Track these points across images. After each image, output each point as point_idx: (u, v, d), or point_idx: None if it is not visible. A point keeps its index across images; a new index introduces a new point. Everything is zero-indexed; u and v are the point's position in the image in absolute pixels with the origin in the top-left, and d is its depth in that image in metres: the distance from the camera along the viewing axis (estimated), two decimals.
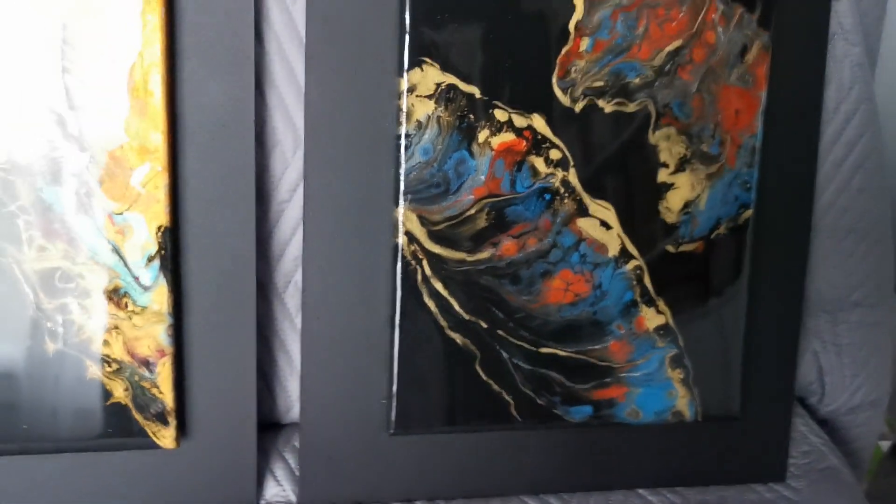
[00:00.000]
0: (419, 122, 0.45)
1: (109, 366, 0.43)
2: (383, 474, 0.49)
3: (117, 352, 0.43)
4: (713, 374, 0.51)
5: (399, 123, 0.45)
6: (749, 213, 0.50)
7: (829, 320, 0.59)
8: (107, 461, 0.46)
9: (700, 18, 0.47)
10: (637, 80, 0.47)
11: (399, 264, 0.46)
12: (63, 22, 0.40)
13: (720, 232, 0.50)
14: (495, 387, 0.48)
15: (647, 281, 0.49)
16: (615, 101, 0.47)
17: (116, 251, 0.42)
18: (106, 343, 0.43)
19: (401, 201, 0.46)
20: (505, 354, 0.48)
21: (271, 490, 0.50)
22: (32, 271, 0.42)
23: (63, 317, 0.43)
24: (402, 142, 0.45)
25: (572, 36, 0.46)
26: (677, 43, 0.47)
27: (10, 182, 0.41)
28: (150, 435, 0.45)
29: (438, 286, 0.47)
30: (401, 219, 0.46)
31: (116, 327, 0.43)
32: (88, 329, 0.43)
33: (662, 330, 0.50)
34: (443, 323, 0.47)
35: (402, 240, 0.46)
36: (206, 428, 0.47)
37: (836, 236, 0.56)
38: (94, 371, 0.43)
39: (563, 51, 0.46)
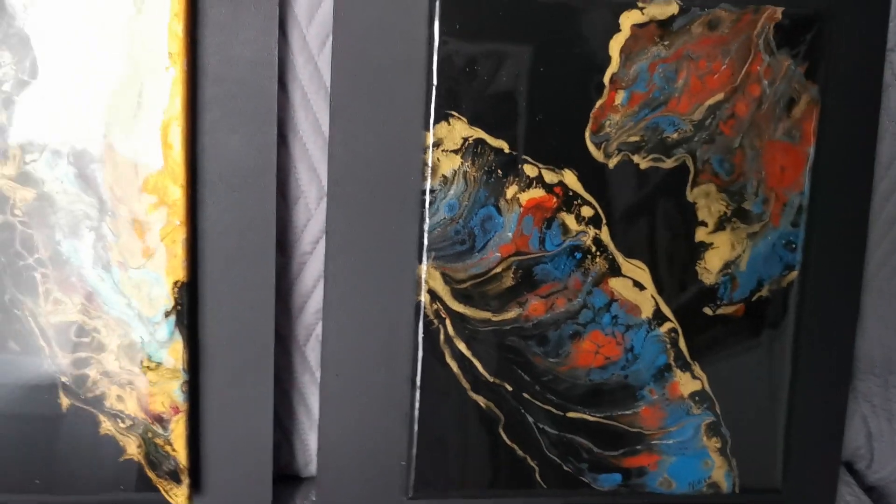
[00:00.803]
0: (444, 178, 0.45)
1: (123, 422, 0.44)
2: None
3: (131, 408, 0.44)
4: (753, 444, 0.50)
5: (424, 178, 0.45)
6: (794, 274, 0.49)
7: (880, 384, 0.57)
8: None
9: (744, 71, 0.46)
10: (675, 135, 0.46)
11: (421, 323, 0.46)
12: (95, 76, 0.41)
13: (762, 294, 0.49)
14: (520, 452, 0.48)
15: (682, 344, 0.48)
16: (651, 156, 0.46)
17: (132, 306, 0.43)
18: (119, 398, 0.44)
19: (424, 258, 0.45)
20: (530, 418, 0.47)
21: None
22: (48, 324, 0.43)
23: (77, 371, 0.43)
24: (427, 197, 0.45)
25: (607, 89, 0.45)
26: (719, 96, 0.46)
27: (28, 234, 0.42)
28: (163, 492, 0.45)
29: (462, 347, 0.46)
30: (424, 276, 0.45)
31: (131, 383, 0.44)
32: (102, 384, 0.44)
33: (698, 396, 0.49)
34: (465, 385, 0.47)
35: (424, 298, 0.46)
36: (220, 485, 0.47)
37: (888, 296, 0.54)
38: (108, 426, 0.44)
39: (598, 104, 0.45)
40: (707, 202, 0.47)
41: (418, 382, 0.46)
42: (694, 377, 0.49)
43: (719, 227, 0.48)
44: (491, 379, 0.47)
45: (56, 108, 0.41)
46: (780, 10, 0.46)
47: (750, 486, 0.50)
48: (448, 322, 0.46)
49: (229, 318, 0.46)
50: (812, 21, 0.47)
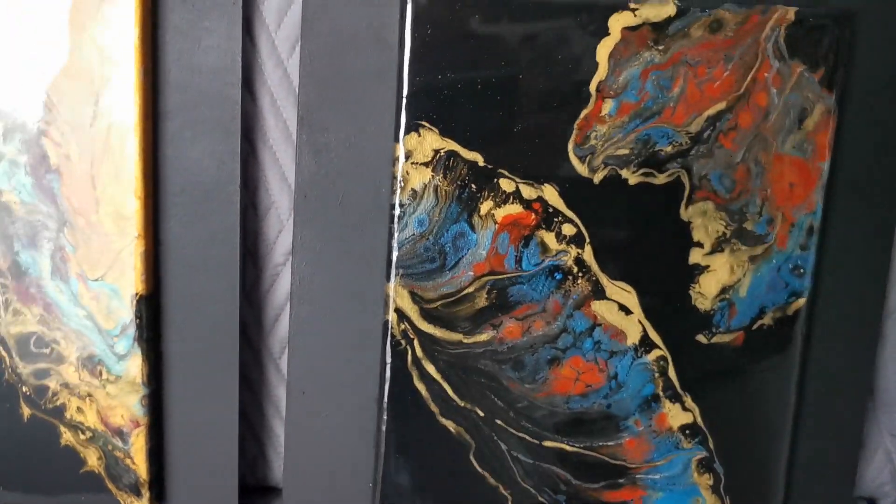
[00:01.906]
0: (414, 192, 0.44)
1: (83, 434, 0.46)
2: None
3: (91, 420, 0.46)
4: (750, 483, 0.48)
5: (393, 192, 0.44)
6: (801, 302, 0.46)
7: None
8: None
9: (749, 78, 0.44)
10: (669, 148, 0.44)
11: (388, 344, 0.46)
12: (45, 84, 0.42)
13: (764, 322, 0.47)
14: (491, 480, 0.48)
15: (672, 374, 0.47)
16: (642, 171, 0.45)
17: (91, 318, 0.44)
18: (80, 410, 0.45)
19: (392, 276, 0.45)
20: (503, 446, 0.47)
21: None
22: (8, 335, 0.44)
23: (38, 382, 0.45)
24: (396, 212, 0.44)
25: (594, 98, 0.44)
26: (720, 106, 0.44)
27: None
28: None
29: (430, 369, 0.46)
30: (392, 294, 0.45)
31: (90, 395, 0.45)
32: (63, 396, 0.45)
33: (689, 429, 0.48)
34: (434, 409, 0.47)
35: (391, 317, 0.46)
36: (185, 497, 0.49)
37: None
38: (68, 438, 0.46)
39: (582, 114, 0.44)
40: (704, 221, 0.46)
41: (385, 405, 0.47)
42: (685, 409, 0.48)
43: (717, 248, 0.46)
44: (462, 403, 0.47)
45: (12, 118, 0.42)
46: (792, 10, 0.43)
47: None
48: (416, 343, 0.46)
49: (193, 332, 0.47)
50: (830, 22, 0.44)
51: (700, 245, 0.46)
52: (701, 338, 0.47)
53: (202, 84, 0.44)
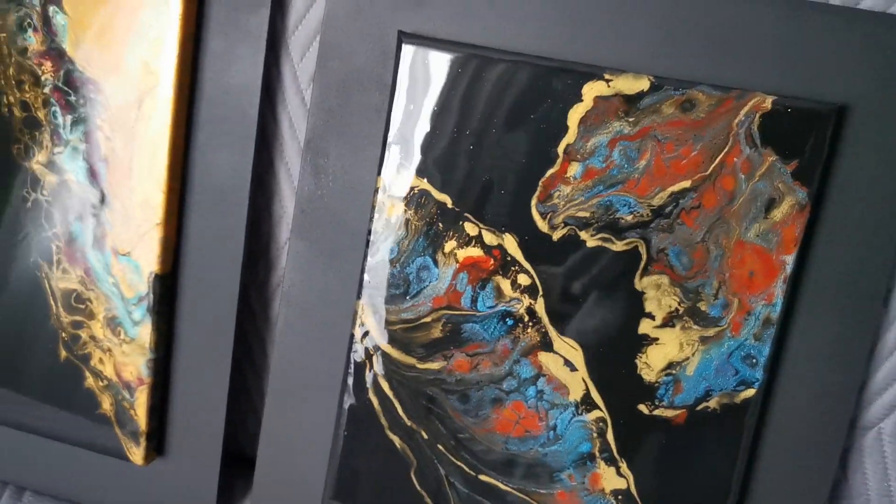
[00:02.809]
0: (388, 221, 0.51)
1: (101, 381, 0.57)
2: None
3: (108, 371, 0.56)
4: None
5: (371, 219, 0.51)
6: (751, 393, 0.47)
7: None
8: (91, 459, 0.60)
9: (718, 160, 0.46)
10: (629, 217, 0.47)
11: (351, 354, 0.52)
12: (104, 83, 0.53)
13: (709, 406, 0.48)
14: (428, 500, 0.53)
15: (610, 437, 0.50)
16: (600, 235, 0.48)
17: (117, 286, 0.55)
18: (101, 361, 0.56)
19: (363, 294, 0.52)
20: (442, 470, 0.52)
21: None
22: (57, 288, 0.56)
23: (74, 331, 0.56)
24: (371, 237, 0.51)
25: (560, 159, 0.48)
26: (685, 184, 0.46)
27: (50, 212, 0.55)
28: (125, 448, 0.57)
29: (384, 385, 0.52)
30: (360, 312, 0.52)
31: (110, 350, 0.56)
32: (90, 346, 0.56)
33: (622, 495, 0.50)
34: (384, 422, 0.53)
35: (358, 332, 0.52)
36: (177, 453, 0.59)
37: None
38: (90, 382, 0.57)
39: (548, 173, 0.48)
40: (657, 294, 0.48)
41: (344, 409, 0.53)
42: (619, 474, 0.50)
43: (668, 322, 0.48)
44: (408, 422, 0.53)
45: (78, 112, 0.53)
46: (770, 98, 0.45)
47: None
48: (375, 359, 0.52)
49: (198, 310, 0.56)
50: (811, 114, 0.44)
51: (651, 317, 0.48)
52: (643, 408, 0.49)
53: (229, 101, 0.53)
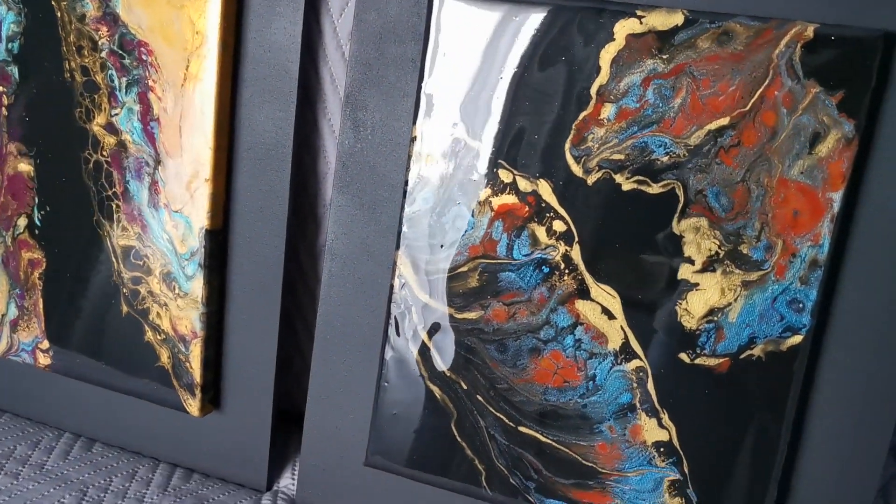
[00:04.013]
0: (423, 171, 0.51)
1: (159, 334, 0.59)
2: (359, 500, 0.57)
3: (165, 325, 0.59)
4: None
5: (407, 170, 0.51)
6: (798, 339, 0.45)
7: None
8: (152, 412, 0.63)
9: (757, 95, 0.44)
10: (665, 158, 0.46)
11: (391, 305, 0.53)
12: (155, 44, 0.55)
13: (754, 354, 0.46)
14: (469, 452, 0.53)
15: (650, 387, 0.48)
16: (636, 178, 0.47)
17: (171, 242, 0.57)
18: (159, 315, 0.59)
19: (401, 245, 0.52)
20: (482, 422, 0.52)
21: (286, 481, 0.62)
22: (117, 245, 0.59)
23: (133, 286, 0.59)
24: (408, 187, 0.51)
25: (594, 101, 0.47)
26: (722, 121, 0.45)
27: (109, 172, 0.58)
28: (183, 400, 0.59)
29: (423, 336, 0.52)
30: (398, 262, 0.52)
31: (166, 304, 0.58)
32: (148, 301, 0.59)
33: (664, 447, 0.49)
34: (424, 372, 0.53)
35: (396, 282, 0.53)
36: (231, 407, 0.61)
37: None
38: (150, 336, 0.60)
39: (582, 116, 0.47)
40: (696, 238, 0.46)
41: (386, 359, 0.54)
42: (661, 426, 0.49)
43: (708, 267, 0.46)
44: (447, 373, 0.53)
45: (132, 74, 0.56)
46: (812, 26, 0.43)
47: None
48: (414, 310, 0.53)
49: (247, 266, 0.58)
50: (856, 42, 0.42)
51: (691, 261, 0.47)
52: (684, 356, 0.48)
53: (271, 59, 0.55)
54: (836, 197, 0.44)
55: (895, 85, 0.43)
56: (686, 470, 0.49)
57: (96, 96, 0.58)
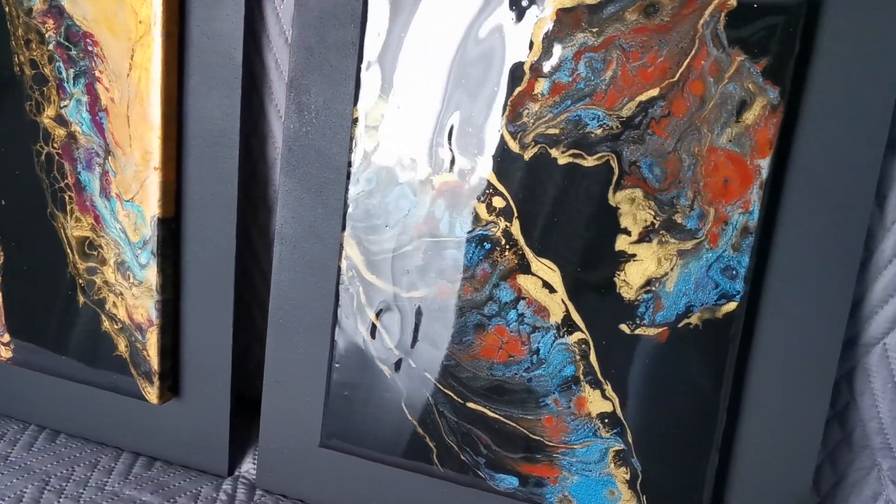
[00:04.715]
0: (365, 152, 0.51)
1: (116, 324, 0.60)
2: (316, 480, 0.58)
3: (122, 314, 0.59)
4: (670, 486, 0.49)
5: (350, 151, 0.52)
6: (732, 306, 0.46)
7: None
8: (112, 401, 0.64)
9: (685, 65, 0.45)
10: (599, 131, 0.47)
11: (339, 287, 0.54)
12: (100, 35, 0.56)
13: (691, 322, 0.47)
14: (420, 430, 0.54)
15: (593, 359, 0.49)
16: (571, 151, 0.47)
17: (124, 231, 0.58)
18: (115, 305, 0.60)
19: (347, 226, 0.53)
20: (431, 399, 0.53)
21: (247, 465, 0.63)
22: (72, 237, 0.60)
23: (89, 277, 0.60)
24: (351, 169, 0.52)
25: (527, 76, 0.47)
26: (652, 92, 0.45)
27: (61, 163, 0.59)
28: (141, 388, 0.60)
29: (371, 315, 0.53)
30: (344, 244, 0.53)
31: (122, 294, 0.59)
32: (104, 291, 0.60)
33: (608, 418, 0.49)
34: (373, 352, 0.54)
35: (344, 264, 0.53)
36: (190, 394, 0.61)
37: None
38: (107, 326, 0.60)
39: (516, 92, 0.48)
40: (632, 209, 0.47)
41: (336, 339, 0.54)
42: (604, 397, 0.49)
43: (644, 238, 0.47)
44: (396, 352, 0.53)
45: (79, 66, 0.57)
46: None
47: None
48: (361, 290, 0.53)
49: (200, 253, 0.59)
50: (779, 9, 0.43)
51: (627, 232, 0.48)
52: (624, 327, 0.49)
53: (215, 46, 0.55)
54: (764, 164, 0.45)
55: (820, 51, 0.44)
56: (630, 440, 0.50)
57: (45, 89, 0.59)
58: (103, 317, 0.61)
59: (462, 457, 0.54)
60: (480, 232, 0.51)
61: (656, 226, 0.47)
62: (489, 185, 0.50)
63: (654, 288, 0.48)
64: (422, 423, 0.54)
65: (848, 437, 0.53)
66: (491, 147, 0.50)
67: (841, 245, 0.46)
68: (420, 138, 0.51)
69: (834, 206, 0.45)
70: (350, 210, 0.53)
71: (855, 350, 0.49)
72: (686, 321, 0.48)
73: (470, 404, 0.53)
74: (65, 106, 0.59)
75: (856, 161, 0.45)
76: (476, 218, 0.51)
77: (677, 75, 0.45)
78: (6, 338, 0.65)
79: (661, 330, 0.48)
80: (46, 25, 0.58)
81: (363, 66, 0.51)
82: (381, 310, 0.54)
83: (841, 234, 0.46)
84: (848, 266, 0.46)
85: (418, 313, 0.53)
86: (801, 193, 0.46)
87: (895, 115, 0.44)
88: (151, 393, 0.61)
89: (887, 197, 0.46)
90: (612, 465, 0.51)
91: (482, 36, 0.49)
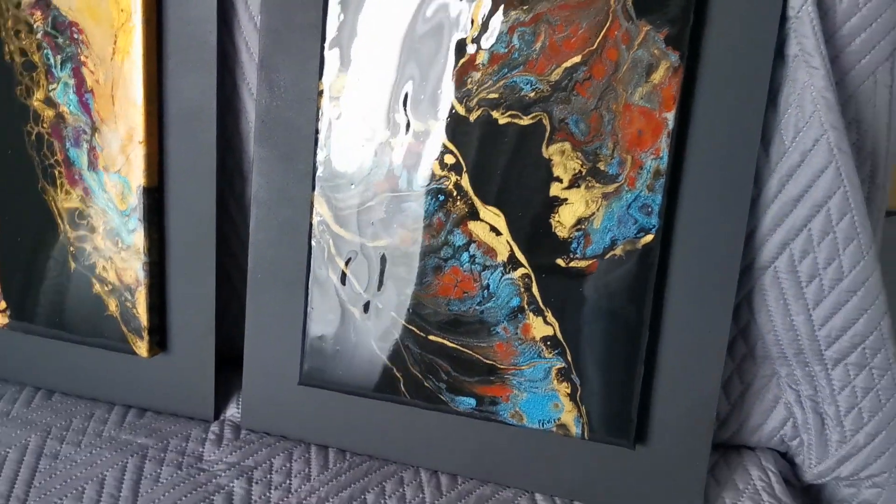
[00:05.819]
0: (331, 121, 0.59)
1: (107, 286, 0.66)
2: (296, 417, 0.65)
3: (112, 277, 0.66)
4: (605, 396, 0.58)
5: (317, 120, 0.59)
6: (649, 238, 0.55)
7: (804, 373, 0.59)
8: (103, 357, 0.70)
9: (601, 35, 0.53)
10: (532, 94, 0.55)
11: (311, 241, 0.61)
12: (84, 23, 0.62)
13: (615, 253, 0.56)
14: (388, 363, 0.61)
15: (535, 290, 0.57)
16: (509, 113, 0.56)
17: (112, 201, 0.64)
18: (105, 269, 0.66)
19: (316, 187, 0.60)
20: (397, 335, 0.61)
21: (231, 410, 0.70)
22: (63, 208, 0.66)
23: (79, 244, 0.66)
24: (318, 136, 0.59)
25: (469, 49, 0.55)
26: (576, 59, 0.54)
27: (51, 142, 0.65)
28: (131, 344, 0.67)
29: (341, 264, 0.61)
30: (315, 202, 0.60)
31: (111, 258, 0.65)
32: (94, 256, 0.66)
33: (550, 341, 0.58)
34: (344, 297, 0.61)
35: (315, 220, 0.61)
36: (177, 348, 0.68)
37: (796, 281, 0.56)
38: (98, 288, 0.67)
39: (460, 63, 0.56)
40: (562, 159, 0.55)
41: (310, 287, 0.62)
42: (546, 323, 0.58)
43: (574, 184, 0.56)
44: (364, 295, 0.61)
45: (66, 52, 0.63)
46: None
47: (601, 436, 0.58)
48: (331, 242, 0.61)
49: (183, 219, 0.66)
50: None
51: (559, 180, 0.56)
52: (560, 261, 0.57)
53: (191, 31, 0.62)
54: (670, 116, 0.54)
55: (711, 22, 0.53)
56: (569, 359, 0.59)
57: (34, 74, 0.65)
58: (94, 280, 0.67)
59: (426, 384, 0.62)
60: (435, 186, 0.59)
61: (583, 173, 0.56)
62: (441, 144, 0.58)
63: (583, 226, 0.57)
64: (390, 357, 0.62)
65: (752, 351, 0.62)
66: (441, 111, 0.58)
67: (735, 184, 0.55)
68: (378, 106, 0.59)
69: (728, 151, 0.54)
70: (319, 172, 0.61)
71: (751, 274, 0.59)
72: (612, 253, 0.56)
73: (431, 337, 0.61)
74: (53, 89, 0.65)
75: (744, 112, 0.54)
76: (431, 174, 0.59)
77: (595, 44, 0.54)
78: (3, 304, 0.70)
79: (591, 262, 0.57)
80: (35, 17, 0.64)
81: (326, 45, 0.59)
82: (349, 259, 0.61)
83: (734, 174, 0.55)
84: (741, 201, 0.55)
85: (383, 260, 0.61)
86: (702, 140, 0.55)
87: (773, 73, 0.54)
88: (142, 347, 0.68)
89: (771, 142, 0.55)
90: (556, 382, 0.59)
91: (429, 15, 0.56)
